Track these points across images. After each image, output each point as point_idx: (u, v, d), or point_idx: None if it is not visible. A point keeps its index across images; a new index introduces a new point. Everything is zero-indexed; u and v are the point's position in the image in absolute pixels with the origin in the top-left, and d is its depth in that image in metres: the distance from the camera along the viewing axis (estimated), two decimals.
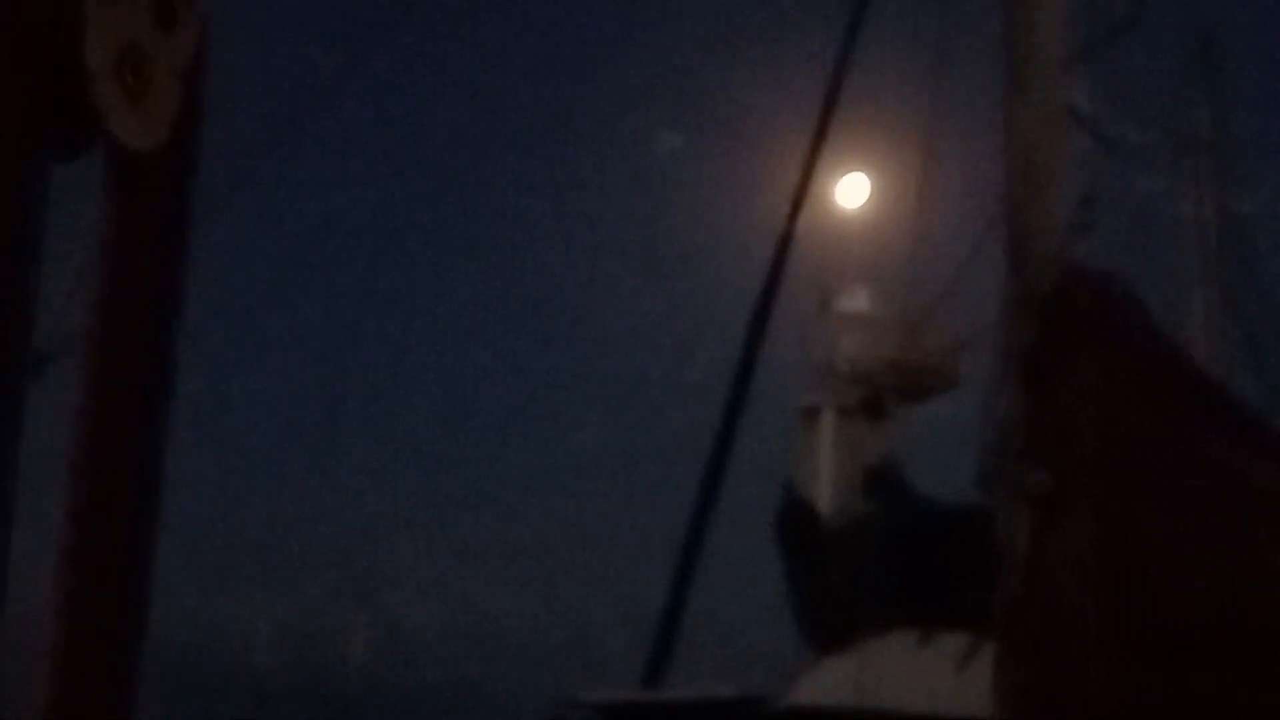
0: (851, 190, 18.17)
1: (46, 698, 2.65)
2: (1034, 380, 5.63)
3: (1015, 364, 5.71)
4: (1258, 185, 19.63)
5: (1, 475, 2.47)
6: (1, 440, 2.47)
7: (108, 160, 2.69)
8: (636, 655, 13.67)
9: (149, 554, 2.85)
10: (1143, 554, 5.27)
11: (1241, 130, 19.52)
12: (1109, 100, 6.95)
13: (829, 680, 12.70)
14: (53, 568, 2.75)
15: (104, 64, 2.55)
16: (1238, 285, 18.88)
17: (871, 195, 18.16)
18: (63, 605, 2.72)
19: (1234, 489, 5.45)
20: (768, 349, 15.05)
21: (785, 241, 14.88)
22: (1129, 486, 5.39)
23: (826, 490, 16.87)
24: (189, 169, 2.84)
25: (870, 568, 14.04)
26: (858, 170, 18.00)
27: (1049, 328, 5.63)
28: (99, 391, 2.70)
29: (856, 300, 17.88)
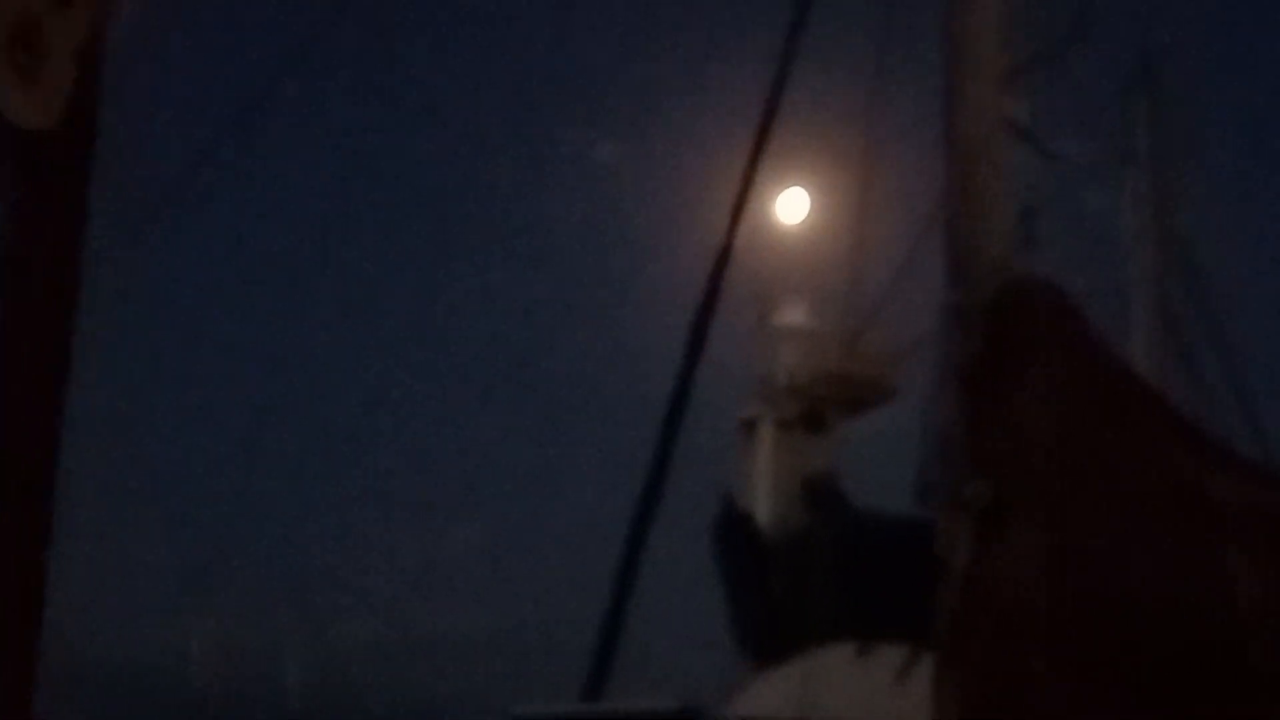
0: (791, 205, 18.22)
1: None
2: (975, 391, 5.63)
3: (954, 375, 5.71)
4: (1199, 202, 19.74)
5: None
6: None
7: (1, 140, 2.59)
8: (578, 667, 13.62)
9: (45, 547, 2.73)
10: (1091, 564, 5.27)
11: (1183, 145, 19.63)
12: (1053, 114, 6.97)
13: (768, 693, 12.69)
14: None
15: None
16: (1177, 300, 18.99)
17: (812, 210, 18.21)
18: None
19: (1181, 498, 5.46)
20: (708, 362, 15.04)
21: (724, 255, 14.88)
22: (1076, 496, 5.39)
23: (765, 502, 16.90)
24: (87, 150, 2.73)
25: (809, 580, 14.05)
26: (798, 185, 18.06)
27: (991, 338, 5.63)
28: None
29: (795, 314, 17.95)
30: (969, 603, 5.41)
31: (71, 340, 2.72)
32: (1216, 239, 18.95)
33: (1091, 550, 5.28)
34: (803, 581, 14.24)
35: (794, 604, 14.05)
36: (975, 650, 5.35)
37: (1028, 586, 5.20)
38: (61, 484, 2.74)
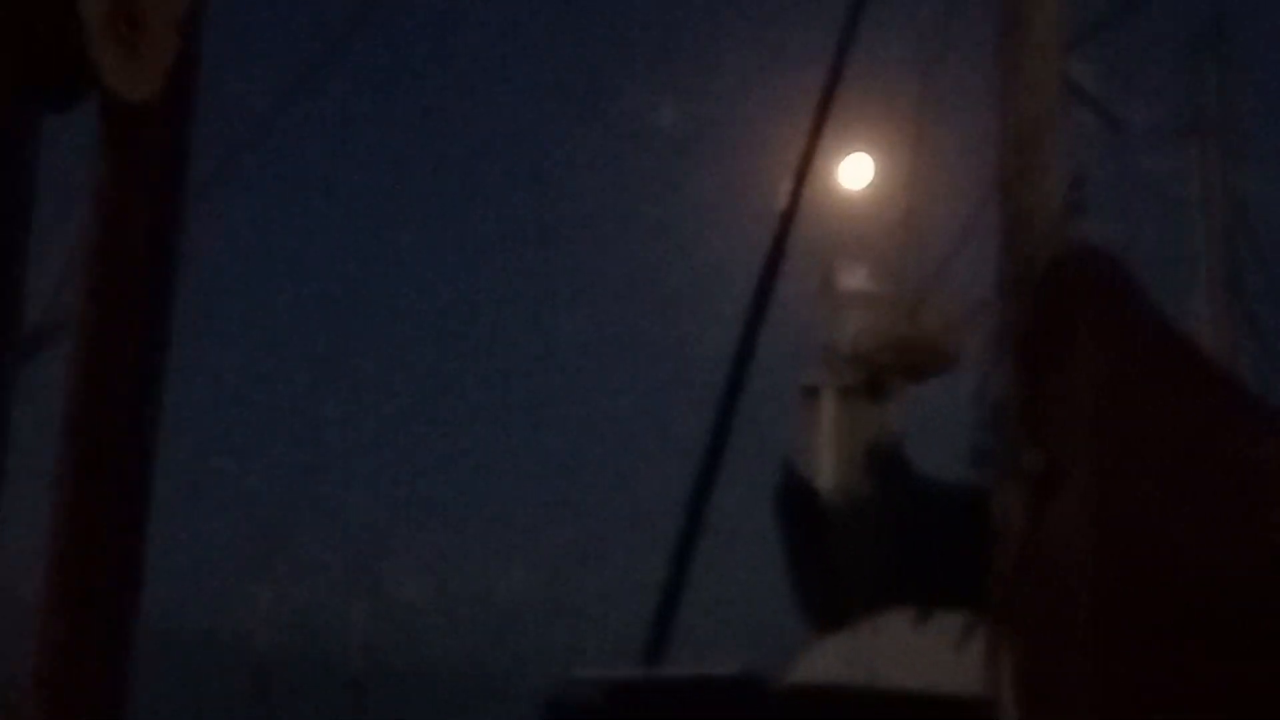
0: (855, 170, 18.16)
1: (38, 685, 2.65)
2: (1029, 359, 5.62)
3: (1010, 342, 5.71)
4: (1265, 166, 19.57)
5: None
6: None
7: (101, 112, 2.66)
8: (636, 633, 13.67)
9: (142, 530, 2.83)
10: (1140, 531, 5.26)
11: (1249, 110, 19.46)
12: (1116, 78, 6.93)
13: (827, 659, 12.70)
14: (44, 544, 2.74)
15: (97, 12, 2.51)
16: (1242, 266, 18.86)
17: (875, 175, 18.14)
18: (54, 582, 2.71)
19: (1233, 465, 5.43)
20: (770, 328, 15.04)
21: (787, 221, 14.85)
22: (1126, 464, 5.37)
23: (827, 469, 16.88)
24: (185, 122, 2.79)
25: (870, 547, 14.04)
26: (861, 151, 17.99)
27: (1044, 306, 5.62)
28: (93, 351, 2.67)
29: (857, 279, 17.87)
30: (1022, 570, 5.41)
31: (169, 323, 2.80)
32: None
33: (1142, 517, 5.26)
34: (864, 548, 14.22)
35: (854, 570, 14.04)
36: (1028, 617, 5.36)
37: (1079, 554, 5.19)
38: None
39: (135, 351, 2.73)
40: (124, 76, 2.59)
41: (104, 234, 2.70)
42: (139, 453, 2.78)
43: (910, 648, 11.65)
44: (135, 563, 2.85)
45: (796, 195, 15.06)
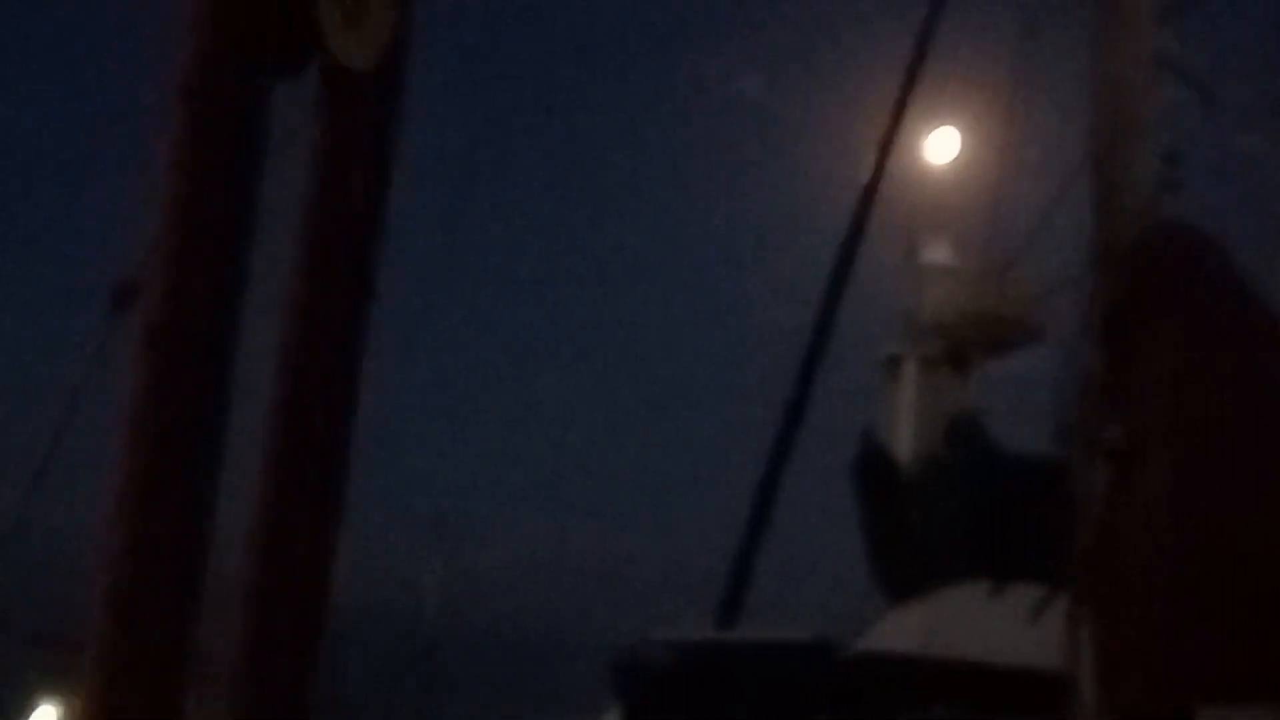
0: (941, 144, 18.06)
1: (240, 650, 2.86)
2: (1116, 334, 5.61)
3: (1098, 317, 5.70)
4: None
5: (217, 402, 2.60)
6: (223, 336, 2.62)
7: (323, 79, 2.91)
8: (711, 597, 13.72)
9: (345, 483, 3.05)
10: (1221, 507, 5.25)
11: None
12: (1212, 55, 6.89)
13: (900, 628, 12.67)
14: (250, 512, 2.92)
15: None
16: None
17: (962, 149, 18.04)
18: (256, 556, 2.91)
19: None
20: (853, 298, 15.01)
21: (870, 192, 14.80)
22: (1208, 440, 5.36)
23: (906, 440, 16.84)
24: (398, 93, 3.04)
25: (946, 518, 13.99)
26: (948, 124, 17.90)
27: (1133, 281, 5.61)
28: (307, 298, 2.86)
29: (941, 252, 17.81)
30: (1102, 544, 5.41)
31: (374, 285, 3.01)
32: None
33: (1222, 493, 5.25)
34: (941, 519, 14.16)
35: (930, 541, 13.99)
36: (1107, 591, 5.36)
37: (1159, 528, 5.19)
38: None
39: (345, 307, 2.93)
40: (346, 45, 2.81)
41: (319, 196, 2.91)
42: (347, 408, 2.98)
43: (984, 619, 11.62)
44: (334, 525, 3.07)
45: (880, 167, 15.00)
